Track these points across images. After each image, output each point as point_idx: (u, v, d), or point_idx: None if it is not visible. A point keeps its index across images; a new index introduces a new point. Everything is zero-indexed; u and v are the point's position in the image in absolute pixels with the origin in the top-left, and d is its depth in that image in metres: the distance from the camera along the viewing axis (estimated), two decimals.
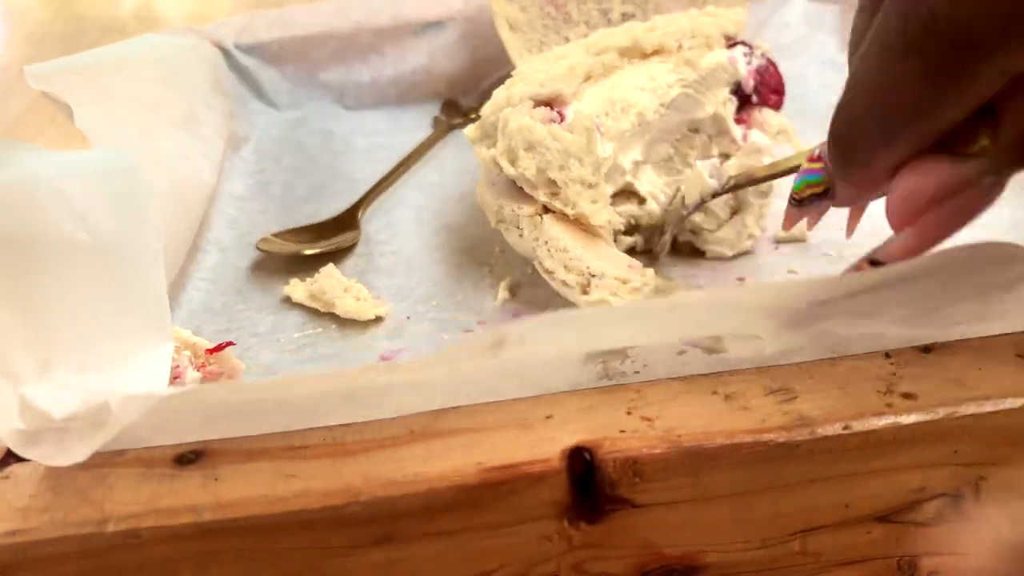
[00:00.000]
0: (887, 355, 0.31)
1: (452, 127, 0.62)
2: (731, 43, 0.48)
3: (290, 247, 0.49)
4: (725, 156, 0.47)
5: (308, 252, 0.48)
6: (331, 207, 0.54)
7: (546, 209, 0.41)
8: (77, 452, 0.29)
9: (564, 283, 0.40)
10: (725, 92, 0.47)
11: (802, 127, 0.48)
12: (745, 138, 0.48)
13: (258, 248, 0.48)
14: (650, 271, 0.40)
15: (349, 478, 0.28)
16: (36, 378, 0.31)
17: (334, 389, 0.30)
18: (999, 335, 0.32)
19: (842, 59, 0.59)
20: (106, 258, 0.32)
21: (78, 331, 0.32)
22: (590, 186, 0.41)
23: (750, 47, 0.48)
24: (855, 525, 0.30)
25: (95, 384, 0.31)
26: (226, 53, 0.62)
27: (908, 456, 0.29)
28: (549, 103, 0.43)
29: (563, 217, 0.41)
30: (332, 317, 0.45)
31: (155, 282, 0.33)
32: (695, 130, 0.47)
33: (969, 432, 0.29)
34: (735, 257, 0.46)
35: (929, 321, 0.31)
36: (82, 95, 0.41)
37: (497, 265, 0.48)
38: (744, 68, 0.48)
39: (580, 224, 0.41)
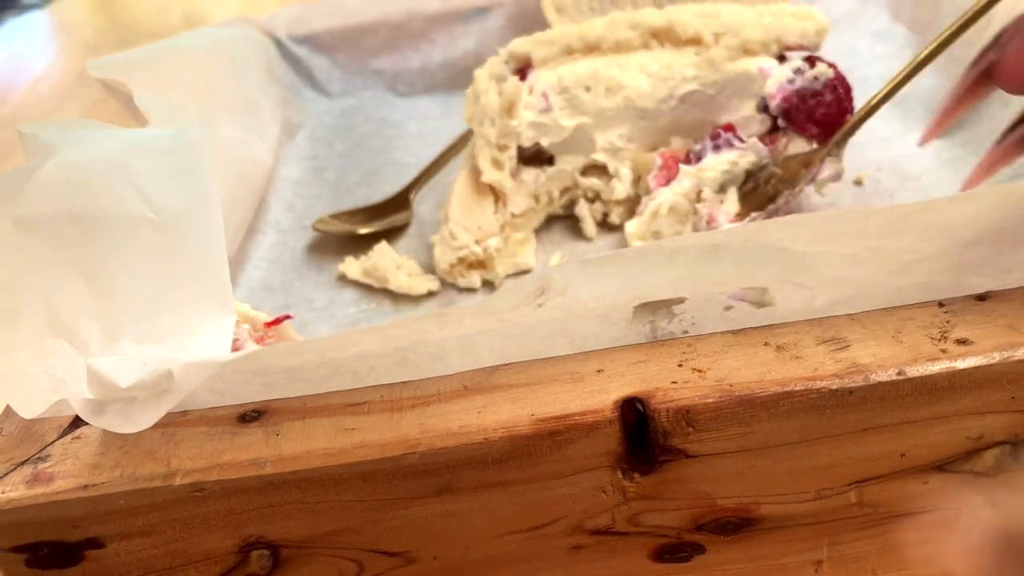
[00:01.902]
0: (940, 304, 0.31)
1: None
2: (788, 51, 0.44)
3: (345, 227, 0.50)
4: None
5: (362, 231, 0.49)
6: (383, 191, 0.54)
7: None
8: (142, 420, 0.30)
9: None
10: (752, 105, 0.45)
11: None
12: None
13: (314, 228, 0.49)
14: (493, 241, 0.45)
15: (406, 430, 0.29)
16: (102, 349, 0.32)
17: (389, 349, 0.31)
18: None
19: (894, 31, 0.59)
20: (170, 233, 0.33)
21: (143, 303, 0.33)
22: (495, 146, 0.46)
23: (812, 64, 0.43)
24: (911, 475, 0.30)
25: (159, 354, 0.32)
26: (279, 43, 0.64)
27: (964, 403, 0.29)
28: (521, 66, 0.47)
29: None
30: (386, 293, 0.46)
31: (217, 256, 0.34)
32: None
33: None
34: None
35: (982, 269, 0.31)
36: (142, 82, 0.42)
37: (547, 240, 0.48)
38: (776, 85, 0.44)
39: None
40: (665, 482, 0.30)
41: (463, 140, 0.58)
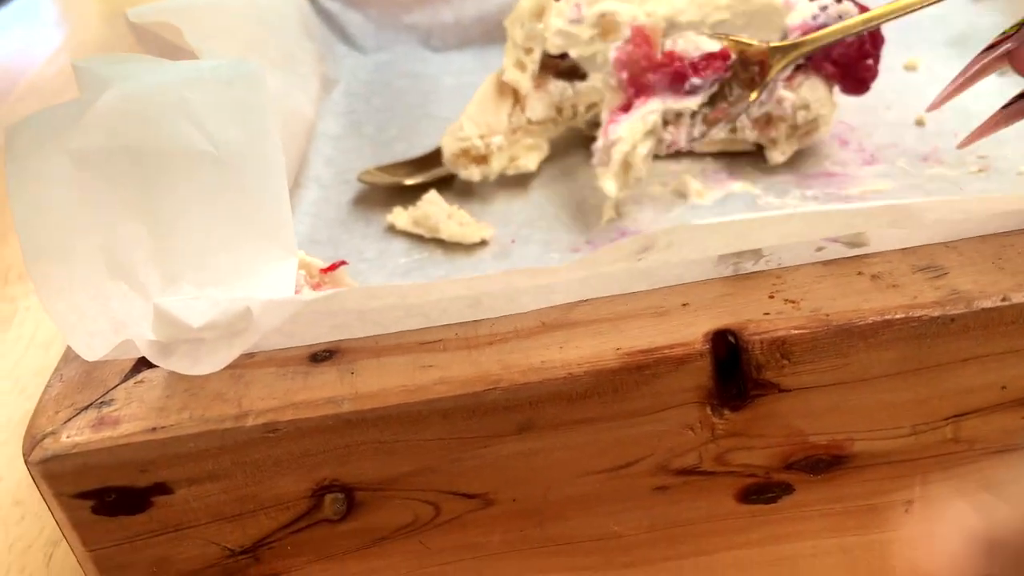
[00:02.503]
0: None
1: None
2: None
3: (390, 178, 0.48)
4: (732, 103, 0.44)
5: (409, 182, 0.48)
6: (423, 144, 0.53)
7: None
8: (214, 361, 0.29)
9: None
10: (775, 38, 0.43)
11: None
12: (771, 96, 0.43)
13: (359, 180, 0.48)
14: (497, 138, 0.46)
15: (487, 366, 0.28)
16: (162, 291, 0.31)
17: (465, 294, 0.30)
18: None
19: None
20: (230, 168, 0.32)
21: (203, 244, 0.32)
22: (521, 48, 0.46)
23: (839, 1, 0.41)
24: (1011, 409, 0.29)
25: (225, 295, 0.31)
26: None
27: None
28: None
29: None
30: (437, 243, 0.44)
31: (279, 193, 0.33)
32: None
33: None
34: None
35: None
36: (189, 25, 0.41)
37: (600, 191, 0.47)
38: (799, 18, 0.42)
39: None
40: (756, 418, 0.29)
41: None
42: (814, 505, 0.31)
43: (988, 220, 0.30)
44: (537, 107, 0.47)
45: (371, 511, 0.30)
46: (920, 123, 0.46)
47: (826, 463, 0.30)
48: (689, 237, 0.28)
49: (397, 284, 0.28)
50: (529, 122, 0.47)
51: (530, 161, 0.47)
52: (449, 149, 0.46)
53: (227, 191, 0.32)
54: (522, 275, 0.29)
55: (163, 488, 0.29)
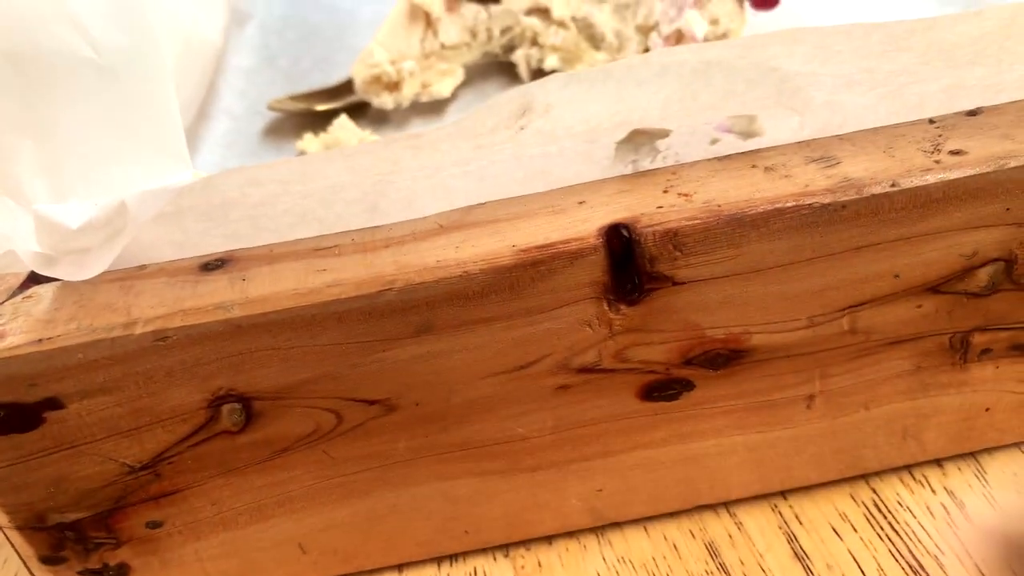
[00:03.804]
0: (931, 120, 0.30)
1: None
2: None
3: (301, 105, 0.48)
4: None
5: (320, 108, 0.47)
6: (340, 75, 0.52)
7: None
8: (98, 264, 0.28)
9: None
10: None
11: None
12: (681, 11, 0.44)
13: (270, 108, 0.47)
14: (408, 63, 0.46)
15: (381, 267, 0.28)
16: (49, 204, 0.30)
17: (358, 193, 0.29)
18: None
19: None
20: (115, 76, 0.31)
21: (91, 156, 0.31)
22: None
23: None
24: (905, 298, 0.29)
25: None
26: None
27: (958, 216, 0.28)
28: None
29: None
30: None
31: (168, 104, 0.32)
32: None
33: (1021, 187, 0.28)
34: None
35: (975, 90, 0.30)
36: None
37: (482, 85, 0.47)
38: None
39: None
40: (652, 312, 0.28)
41: None
42: (716, 402, 0.31)
43: (877, 111, 0.30)
44: (450, 31, 0.47)
45: (271, 421, 0.29)
46: None
47: (724, 357, 0.30)
48: (568, 97, 0.27)
49: (276, 164, 0.28)
50: (442, 47, 0.47)
51: (444, 87, 0.47)
52: (360, 76, 0.46)
53: (113, 100, 0.31)
54: (404, 147, 0.28)
55: (54, 403, 0.28)
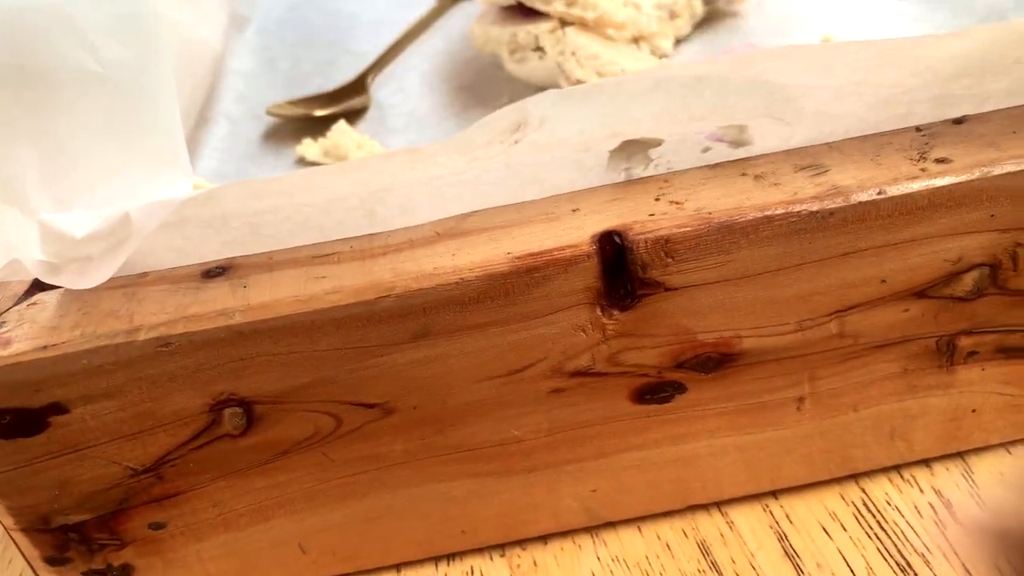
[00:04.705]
0: (918, 129, 0.30)
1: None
2: None
3: (300, 111, 0.48)
4: None
5: (319, 114, 0.48)
6: (339, 79, 0.53)
7: (563, 23, 0.41)
8: (101, 273, 0.29)
9: None
10: None
11: None
12: None
13: (268, 113, 0.48)
14: None
15: (379, 274, 0.28)
16: (53, 214, 0.30)
17: (356, 201, 0.30)
18: None
19: None
20: (118, 87, 0.31)
21: (94, 165, 0.31)
22: None
23: None
24: (892, 302, 0.30)
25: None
26: None
27: (944, 222, 0.28)
28: None
29: (584, 26, 0.40)
30: None
31: (170, 115, 0.33)
32: None
33: (1005, 193, 0.28)
34: None
35: (962, 99, 0.30)
36: None
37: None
38: None
39: (601, 32, 0.40)
40: (644, 318, 0.29)
41: (420, 26, 0.57)
42: (707, 404, 0.31)
43: (865, 121, 0.30)
44: None
45: (272, 425, 0.30)
46: (827, 40, 0.47)
47: (715, 361, 0.30)
48: (562, 112, 0.28)
49: (278, 178, 0.28)
50: None
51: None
52: None
53: (116, 111, 0.31)
54: (402, 160, 0.29)
55: (59, 408, 0.29)
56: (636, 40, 0.46)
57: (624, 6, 0.41)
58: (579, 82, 0.41)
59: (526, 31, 0.42)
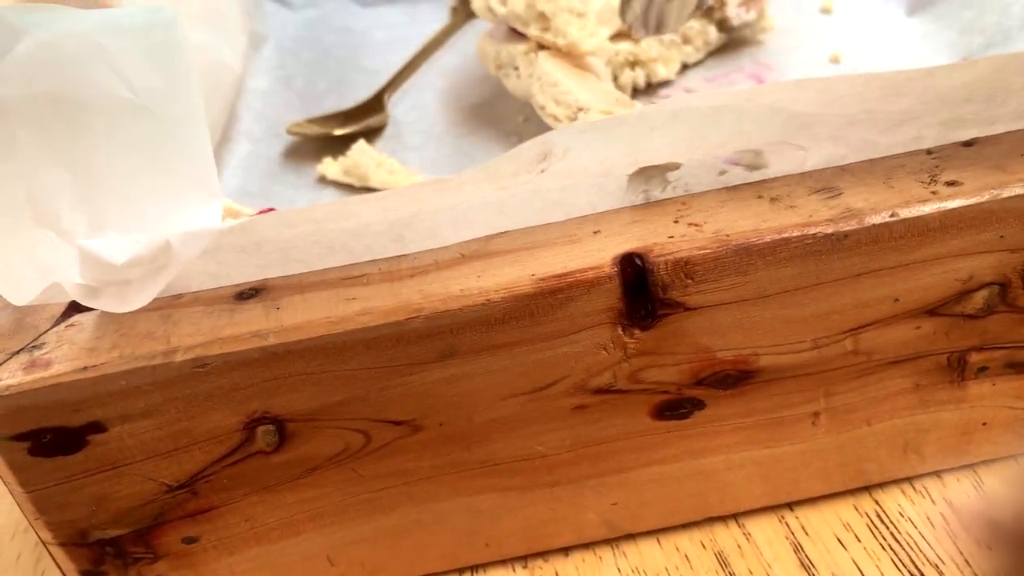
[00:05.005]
0: (928, 152, 0.31)
1: (470, 15, 0.62)
2: None
3: (320, 129, 0.49)
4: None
5: (339, 132, 0.49)
6: (355, 97, 0.54)
7: (541, 47, 0.42)
8: (140, 298, 0.30)
9: (554, 117, 0.41)
10: None
11: None
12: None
13: (288, 132, 0.49)
14: (638, 105, 0.41)
15: (408, 296, 0.29)
16: (88, 238, 0.31)
17: (385, 225, 0.31)
18: None
19: None
20: (149, 115, 0.32)
21: (128, 190, 0.32)
22: (579, 15, 0.42)
23: None
24: (905, 320, 0.31)
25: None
26: None
27: (955, 243, 0.29)
28: None
29: (557, 53, 0.42)
30: (368, 191, 0.45)
31: (200, 139, 0.34)
32: None
33: (1014, 214, 0.29)
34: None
35: (970, 123, 0.31)
36: None
37: (526, 135, 0.48)
38: None
39: (573, 60, 0.42)
40: (665, 337, 0.30)
41: (435, 43, 0.58)
42: (726, 420, 0.32)
43: (878, 145, 0.31)
44: None
45: (303, 442, 0.31)
46: (835, 60, 0.48)
47: (734, 378, 0.31)
48: (585, 142, 0.29)
49: (311, 207, 0.29)
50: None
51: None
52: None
53: (148, 137, 0.32)
54: (431, 189, 0.30)
55: (97, 427, 0.30)
56: (633, 64, 0.47)
57: (591, 36, 0.42)
58: (540, 106, 0.42)
59: (507, 51, 0.43)
